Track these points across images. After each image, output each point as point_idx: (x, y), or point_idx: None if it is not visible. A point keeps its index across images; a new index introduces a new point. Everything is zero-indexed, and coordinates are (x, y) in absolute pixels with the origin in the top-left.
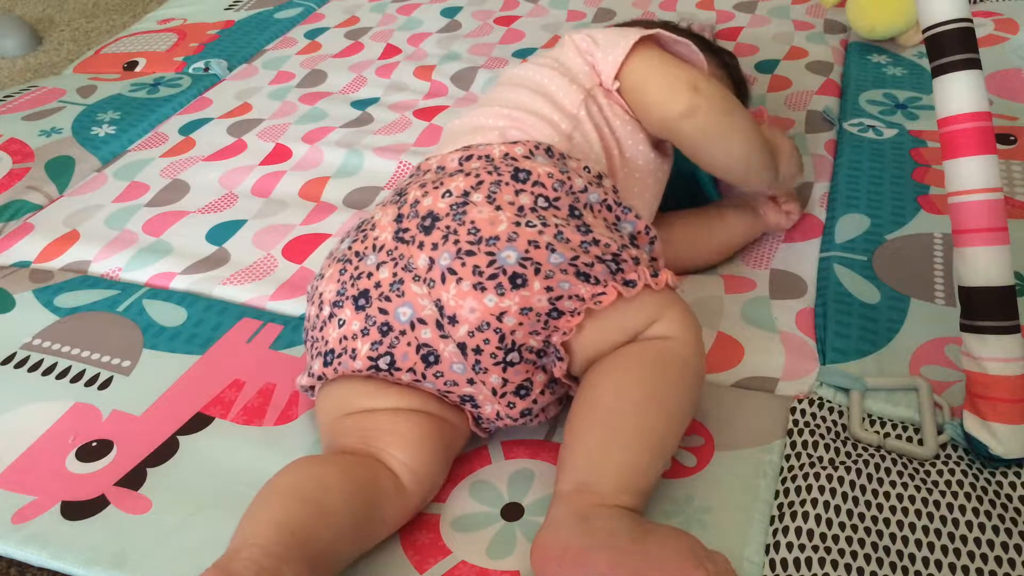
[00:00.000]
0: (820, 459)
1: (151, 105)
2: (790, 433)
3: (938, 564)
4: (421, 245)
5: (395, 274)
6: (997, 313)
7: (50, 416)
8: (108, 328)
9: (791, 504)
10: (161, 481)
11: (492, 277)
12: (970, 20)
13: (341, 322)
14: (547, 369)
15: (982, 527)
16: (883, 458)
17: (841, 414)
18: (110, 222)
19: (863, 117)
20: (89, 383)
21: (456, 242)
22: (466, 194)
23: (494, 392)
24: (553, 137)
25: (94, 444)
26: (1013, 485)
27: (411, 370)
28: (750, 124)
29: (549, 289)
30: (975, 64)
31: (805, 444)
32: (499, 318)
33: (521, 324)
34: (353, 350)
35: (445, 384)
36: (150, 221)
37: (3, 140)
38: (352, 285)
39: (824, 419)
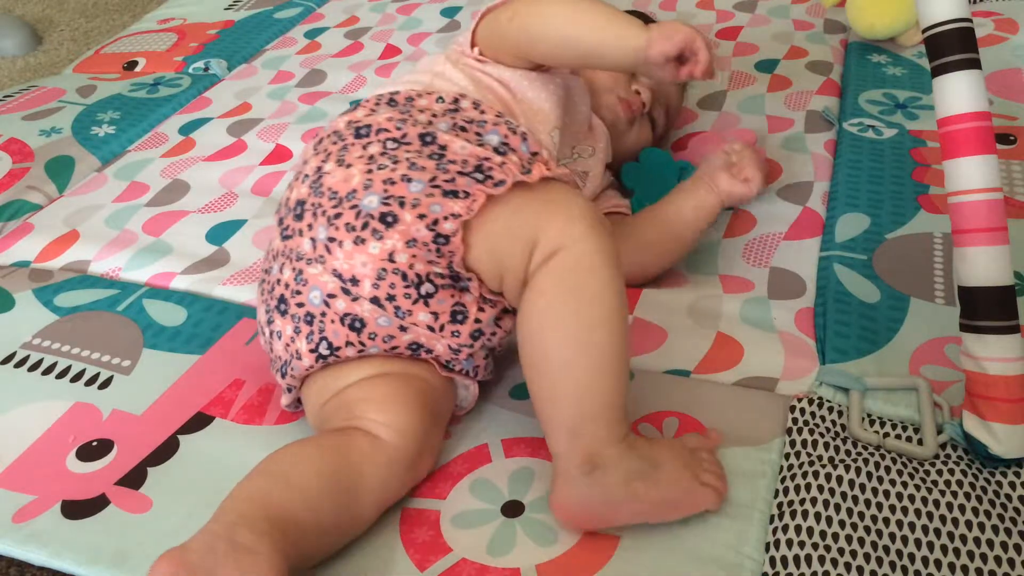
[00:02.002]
0: (820, 458)
1: (151, 105)
2: (789, 432)
3: (938, 564)
4: (300, 232)
5: (294, 268)
6: (997, 313)
7: (50, 416)
8: (108, 328)
9: (791, 503)
10: (161, 480)
11: (365, 227)
12: (970, 20)
13: (279, 334)
14: (472, 291)
15: (982, 527)
16: (883, 457)
17: (841, 414)
18: (110, 222)
19: (863, 117)
20: (89, 382)
21: (324, 213)
22: (318, 169)
23: (431, 329)
24: (411, 88)
25: (94, 443)
26: (1013, 485)
27: (348, 343)
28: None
29: (422, 216)
30: (975, 64)
31: (805, 443)
32: (391, 259)
33: (414, 256)
34: (297, 351)
35: (384, 342)
36: (150, 221)
37: (3, 140)
38: (271, 297)
39: (824, 419)
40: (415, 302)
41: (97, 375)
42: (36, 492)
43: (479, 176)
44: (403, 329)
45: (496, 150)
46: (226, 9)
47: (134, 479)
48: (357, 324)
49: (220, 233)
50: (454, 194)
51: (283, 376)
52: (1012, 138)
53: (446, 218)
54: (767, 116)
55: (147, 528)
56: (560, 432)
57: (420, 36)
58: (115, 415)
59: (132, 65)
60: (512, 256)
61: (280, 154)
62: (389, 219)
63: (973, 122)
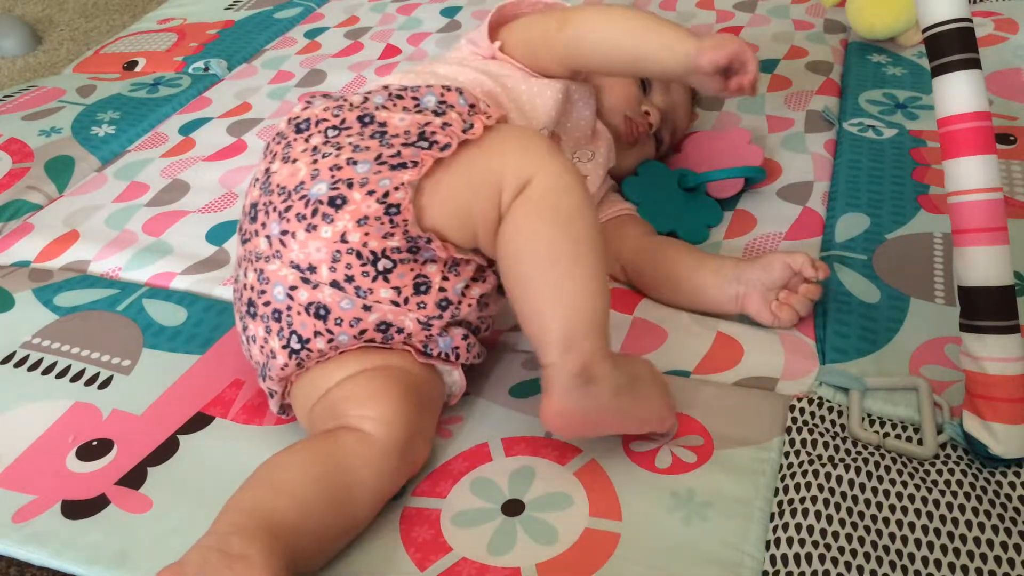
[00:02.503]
0: (819, 457)
1: (151, 105)
2: (789, 431)
3: (937, 563)
4: (256, 233)
5: (256, 270)
6: (997, 313)
7: (50, 415)
8: (108, 327)
9: (791, 501)
10: (161, 480)
11: (315, 213)
12: (970, 20)
13: (254, 337)
14: (436, 258)
15: (982, 527)
16: (883, 457)
17: (840, 413)
18: (110, 222)
19: (863, 117)
20: (89, 382)
21: (275, 209)
22: (267, 171)
23: (396, 303)
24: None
25: (94, 443)
26: (1013, 485)
27: (317, 333)
28: (624, 9)
29: (371, 192)
30: (975, 64)
31: (804, 443)
32: (343, 240)
33: (367, 234)
34: (271, 351)
35: (352, 326)
36: (150, 221)
37: (3, 140)
38: (241, 303)
39: (823, 418)
40: (374, 279)
41: (97, 375)
42: (36, 492)
43: (424, 144)
44: (367, 309)
45: (435, 112)
46: (226, 9)
47: (134, 479)
48: (322, 311)
49: (220, 233)
50: (403, 166)
51: (264, 379)
52: (1012, 138)
53: (396, 188)
54: (767, 116)
55: (147, 528)
56: (553, 345)
57: (420, 36)
58: (115, 415)
59: (132, 65)
60: (479, 203)
61: None
62: (338, 201)
63: (973, 122)
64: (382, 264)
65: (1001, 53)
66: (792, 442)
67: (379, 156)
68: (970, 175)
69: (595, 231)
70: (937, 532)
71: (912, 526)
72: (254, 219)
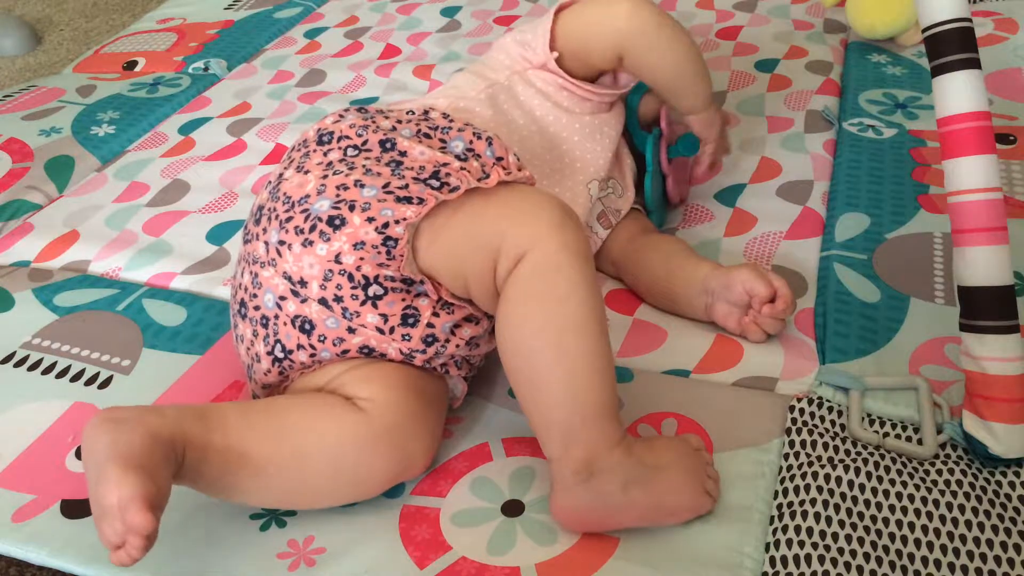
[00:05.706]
0: (819, 458)
1: (150, 105)
2: (788, 432)
3: (937, 563)
4: (257, 236)
5: (251, 272)
6: (996, 313)
7: (50, 415)
8: (108, 327)
9: (790, 504)
10: None
11: (312, 229)
12: (969, 20)
13: (242, 338)
14: (429, 295)
15: (981, 527)
16: (883, 457)
17: (840, 413)
18: (110, 222)
19: (863, 117)
20: (89, 382)
21: (276, 217)
22: (280, 176)
23: (380, 331)
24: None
25: None
26: (1012, 485)
27: (300, 347)
28: (680, 26)
29: (371, 220)
30: (975, 64)
31: (804, 443)
32: (337, 260)
33: (362, 259)
34: (256, 354)
35: (335, 345)
36: (150, 221)
37: (3, 140)
38: (235, 302)
39: (823, 418)
40: (363, 303)
41: (97, 375)
42: (35, 491)
43: (435, 183)
44: (351, 331)
45: (458, 156)
46: (226, 9)
47: None
48: (307, 326)
49: (220, 233)
50: (407, 200)
51: (250, 380)
52: (1012, 138)
53: (397, 222)
54: (767, 116)
55: None
56: (552, 440)
57: (420, 36)
58: None
59: (132, 65)
60: (474, 262)
61: (280, 154)
62: (337, 222)
63: (973, 122)
64: (373, 290)
65: (1001, 53)
66: (792, 443)
67: (387, 184)
68: (970, 175)
69: (592, 311)
70: (937, 532)
71: (912, 526)
72: (257, 222)
